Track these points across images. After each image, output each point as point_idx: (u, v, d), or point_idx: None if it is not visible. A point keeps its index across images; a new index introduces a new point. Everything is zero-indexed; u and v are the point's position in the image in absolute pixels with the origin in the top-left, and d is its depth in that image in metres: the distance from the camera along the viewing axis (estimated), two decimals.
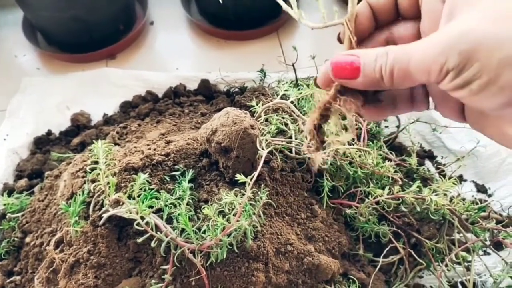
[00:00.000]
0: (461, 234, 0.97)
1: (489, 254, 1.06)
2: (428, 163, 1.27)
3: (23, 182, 1.15)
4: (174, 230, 0.76)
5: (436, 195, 0.90)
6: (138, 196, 0.78)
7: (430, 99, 0.51)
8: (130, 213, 0.74)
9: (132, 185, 0.80)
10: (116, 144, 1.10)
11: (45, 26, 1.56)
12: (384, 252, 0.94)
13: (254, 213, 0.77)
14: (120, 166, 0.86)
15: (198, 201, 0.86)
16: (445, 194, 0.94)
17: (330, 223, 0.94)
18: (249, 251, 0.80)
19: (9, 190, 1.13)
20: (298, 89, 1.02)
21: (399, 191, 0.91)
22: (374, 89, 0.46)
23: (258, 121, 0.97)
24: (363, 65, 0.43)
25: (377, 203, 0.92)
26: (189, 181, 0.85)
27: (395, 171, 1.01)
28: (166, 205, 0.80)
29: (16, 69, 1.57)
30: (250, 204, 0.78)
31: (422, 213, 0.94)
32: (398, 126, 1.29)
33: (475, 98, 0.39)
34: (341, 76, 0.44)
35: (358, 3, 0.47)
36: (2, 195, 1.09)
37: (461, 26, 0.37)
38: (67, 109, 1.37)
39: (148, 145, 0.96)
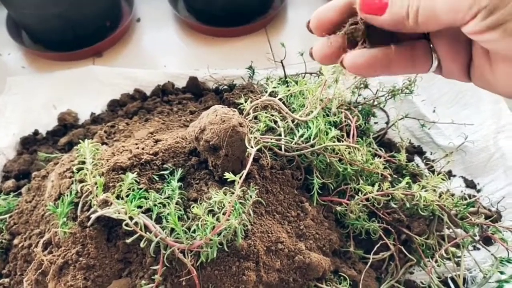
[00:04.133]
0: (451, 230, 0.97)
1: (478, 249, 1.06)
2: (417, 159, 1.28)
3: (10, 183, 1.14)
4: (163, 230, 0.75)
5: (425, 191, 0.90)
6: (127, 196, 0.77)
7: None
8: (119, 213, 0.73)
9: (120, 185, 0.79)
10: (104, 143, 1.09)
11: (30, 24, 1.54)
12: (375, 248, 0.94)
13: (244, 212, 0.77)
14: (108, 165, 0.86)
15: (188, 200, 0.85)
16: (434, 190, 0.94)
17: (321, 221, 0.94)
18: (239, 250, 0.79)
19: None
20: (287, 86, 1.02)
21: (389, 187, 0.91)
22: (397, 30, 0.44)
23: (247, 119, 0.96)
24: (392, 2, 0.41)
25: (367, 199, 0.92)
26: (178, 180, 0.85)
27: (385, 168, 1.02)
28: (155, 205, 0.79)
29: (0, 68, 1.55)
30: (240, 202, 0.77)
31: (412, 209, 0.94)
32: (387, 122, 1.30)
33: (505, 41, 0.36)
34: (368, 11, 0.43)
35: None
36: None
37: None
38: (54, 108, 1.36)
39: (136, 144, 0.95)
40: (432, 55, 0.49)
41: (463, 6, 0.36)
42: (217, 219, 0.73)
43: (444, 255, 0.94)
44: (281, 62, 1.24)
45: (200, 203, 0.79)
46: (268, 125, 0.98)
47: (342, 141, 1.01)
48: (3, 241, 0.98)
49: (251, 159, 0.82)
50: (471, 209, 0.99)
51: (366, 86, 1.23)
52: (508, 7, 0.34)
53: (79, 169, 0.80)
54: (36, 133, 1.31)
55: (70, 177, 0.90)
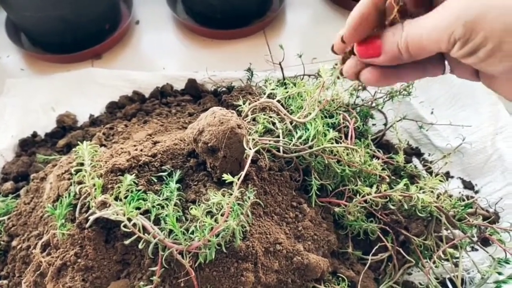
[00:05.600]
0: (449, 231, 0.97)
1: (476, 250, 1.06)
2: (415, 160, 1.29)
3: (8, 185, 1.14)
4: (162, 231, 0.75)
5: (423, 192, 0.90)
6: (125, 197, 0.77)
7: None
8: (117, 215, 0.73)
9: (118, 187, 0.79)
10: (102, 145, 1.09)
11: (29, 27, 1.55)
12: (373, 250, 0.94)
13: (242, 213, 0.77)
14: (106, 167, 0.86)
15: (186, 201, 0.85)
16: (432, 191, 0.95)
17: (319, 222, 0.94)
18: (238, 251, 0.79)
19: None
20: (285, 88, 1.02)
21: (387, 189, 0.91)
22: (397, 63, 0.51)
23: (245, 121, 0.96)
24: (383, 43, 0.49)
25: (365, 201, 0.92)
26: (177, 182, 0.85)
27: (383, 169, 1.01)
28: (153, 206, 0.79)
29: None
30: (238, 204, 0.77)
31: (410, 211, 0.94)
32: (385, 124, 1.30)
33: (483, 64, 0.43)
34: (366, 56, 0.52)
35: None
36: None
37: None
38: (53, 110, 1.36)
39: (134, 146, 0.95)
40: (442, 60, 0.54)
41: (443, 38, 0.42)
42: (216, 221, 0.73)
43: (442, 256, 0.94)
44: (280, 64, 1.24)
45: (199, 205, 0.79)
46: (267, 126, 0.98)
47: (340, 143, 1.01)
48: (2, 243, 0.98)
49: (249, 161, 0.82)
50: (469, 210, 0.99)
51: (364, 88, 1.23)
52: (477, 39, 0.40)
53: (77, 171, 0.79)
54: (34, 135, 1.31)
55: (69, 179, 0.90)
